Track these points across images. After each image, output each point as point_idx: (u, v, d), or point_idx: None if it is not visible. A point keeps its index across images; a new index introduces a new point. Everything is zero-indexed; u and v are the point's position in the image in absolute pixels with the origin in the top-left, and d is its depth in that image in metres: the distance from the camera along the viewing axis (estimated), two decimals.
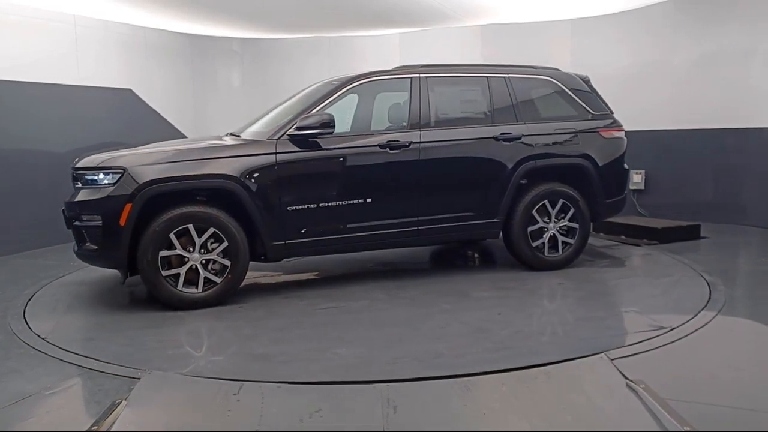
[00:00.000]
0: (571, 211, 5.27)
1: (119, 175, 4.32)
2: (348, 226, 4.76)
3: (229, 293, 4.50)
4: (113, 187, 4.31)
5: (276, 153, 4.55)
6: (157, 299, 4.40)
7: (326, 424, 2.66)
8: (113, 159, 4.46)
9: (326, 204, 4.67)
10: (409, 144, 4.87)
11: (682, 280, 4.98)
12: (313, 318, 4.21)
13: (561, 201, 5.24)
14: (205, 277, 4.40)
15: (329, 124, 4.59)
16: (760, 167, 7.02)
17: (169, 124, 8.64)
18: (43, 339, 3.86)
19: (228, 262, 4.43)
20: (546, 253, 5.25)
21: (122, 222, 4.24)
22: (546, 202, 5.21)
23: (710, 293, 4.50)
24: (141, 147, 4.87)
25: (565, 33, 8.51)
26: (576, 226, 5.29)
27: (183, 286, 4.37)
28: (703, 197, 7.54)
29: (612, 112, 5.65)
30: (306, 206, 4.61)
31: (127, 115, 8.05)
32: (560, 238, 5.27)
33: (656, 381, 2.98)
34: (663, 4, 7.65)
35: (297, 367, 3.31)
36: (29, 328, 4.10)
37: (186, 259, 4.36)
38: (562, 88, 5.48)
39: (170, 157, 4.46)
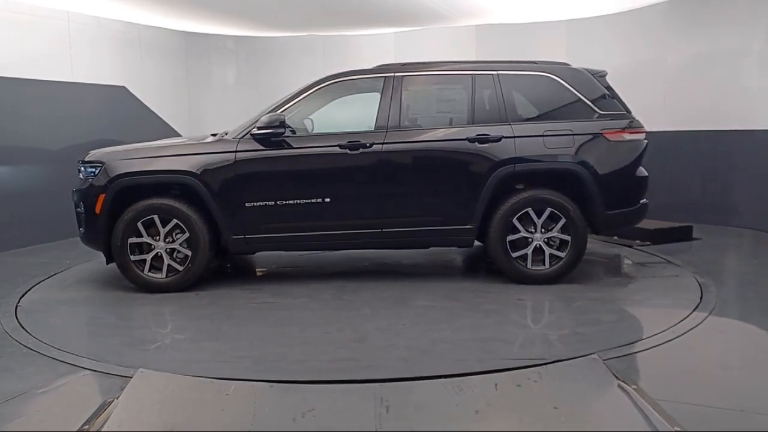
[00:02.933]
0: (562, 221, 4.76)
1: (98, 169, 4.81)
2: (306, 224, 4.84)
3: (190, 281, 4.81)
4: (92, 179, 4.82)
5: (236, 151, 4.76)
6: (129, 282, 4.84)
7: (319, 423, 2.66)
8: (97, 154, 4.96)
9: (284, 202, 4.79)
10: (371, 145, 4.77)
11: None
12: (237, 311, 4.39)
13: (548, 210, 4.75)
14: (169, 265, 4.77)
15: (282, 124, 4.73)
16: (752, 169, 7.06)
17: (163, 121, 8.61)
18: (34, 337, 3.84)
19: (189, 252, 4.75)
20: (529, 266, 4.80)
21: (97, 210, 4.74)
22: (530, 210, 4.75)
23: (702, 294, 4.52)
24: (137, 144, 5.22)
25: (561, 34, 8.53)
26: (567, 237, 4.77)
27: (150, 271, 4.76)
28: (696, 199, 7.58)
29: (629, 112, 5.04)
30: (264, 203, 4.78)
31: (121, 112, 8.02)
32: (547, 251, 4.78)
33: (648, 381, 3.00)
34: (656, 5, 7.68)
35: (147, 356, 3.56)
36: (21, 326, 4.09)
37: (152, 246, 4.75)
38: (563, 85, 4.94)
39: (140, 153, 4.88)
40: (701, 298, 4.42)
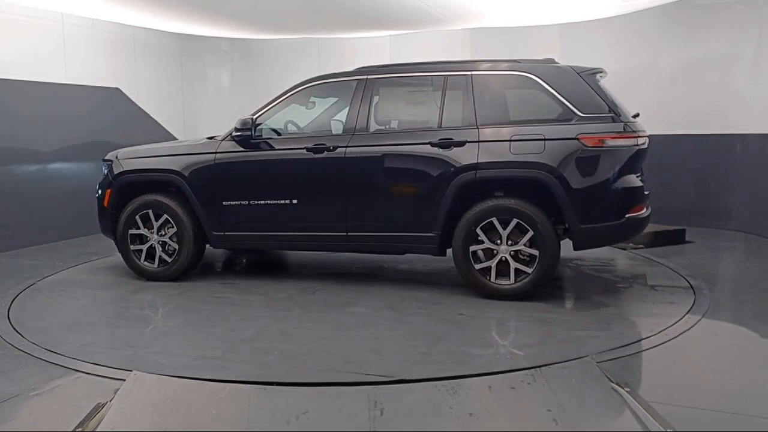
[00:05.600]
0: (529, 233, 4.36)
1: (109, 166, 5.34)
2: (276, 224, 5.00)
3: (177, 272, 5.16)
4: (104, 176, 5.37)
5: (216, 152, 5.04)
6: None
7: (313, 425, 2.67)
8: (111, 153, 5.46)
9: (256, 202, 4.99)
10: (334, 148, 4.75)
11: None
12: (190, 303, 4.63)
13: (514, 221, 4.38)
14: (160, 256, 5.18)
15: (251, 126, 4.94)
16: (744, 172, 7.11)
17: (158, 123, 8.60)
18: (27, 339, 3.83)
19: (177, 246, 5.14)
20: (493, 279, 4.47)
21: (105, 203, 5.30)
22: (494, 220, 4.42)
23: (695, 297, 4.55)
24: (145, 145, 5.72)
25: (554, 38, 8.56)
26: (536, 252, 4.37)
27: (147, 261, 5.21)
28: (688, 202, 7.61)
29: (618, 115, 4.47)
30: (238, 202, 5.02)
31: (115, 114, 8.00)
32: (513, 264, 4.40)
33: (641, 384, 3.01)
34: (650, 10, 7.73)
35: (53, 336, 3.88)
36: (13, 328, 4.07)
37: (147, 238, 5.20)
38: (541, 85, 4.52)
39: (139, 153, 5.37)
40: (694, 301, 4.44)
